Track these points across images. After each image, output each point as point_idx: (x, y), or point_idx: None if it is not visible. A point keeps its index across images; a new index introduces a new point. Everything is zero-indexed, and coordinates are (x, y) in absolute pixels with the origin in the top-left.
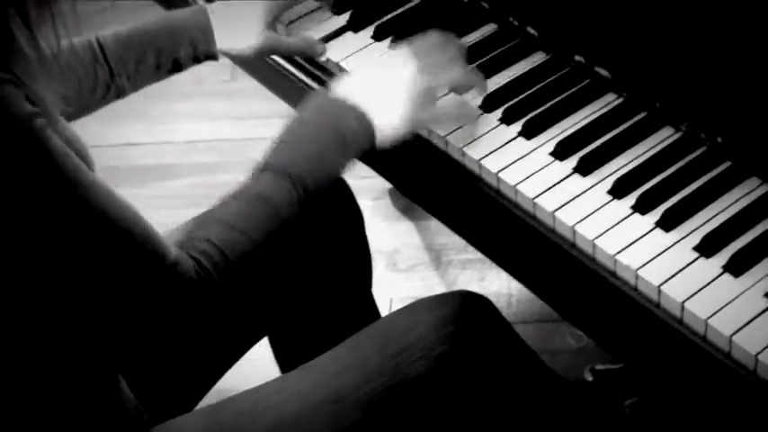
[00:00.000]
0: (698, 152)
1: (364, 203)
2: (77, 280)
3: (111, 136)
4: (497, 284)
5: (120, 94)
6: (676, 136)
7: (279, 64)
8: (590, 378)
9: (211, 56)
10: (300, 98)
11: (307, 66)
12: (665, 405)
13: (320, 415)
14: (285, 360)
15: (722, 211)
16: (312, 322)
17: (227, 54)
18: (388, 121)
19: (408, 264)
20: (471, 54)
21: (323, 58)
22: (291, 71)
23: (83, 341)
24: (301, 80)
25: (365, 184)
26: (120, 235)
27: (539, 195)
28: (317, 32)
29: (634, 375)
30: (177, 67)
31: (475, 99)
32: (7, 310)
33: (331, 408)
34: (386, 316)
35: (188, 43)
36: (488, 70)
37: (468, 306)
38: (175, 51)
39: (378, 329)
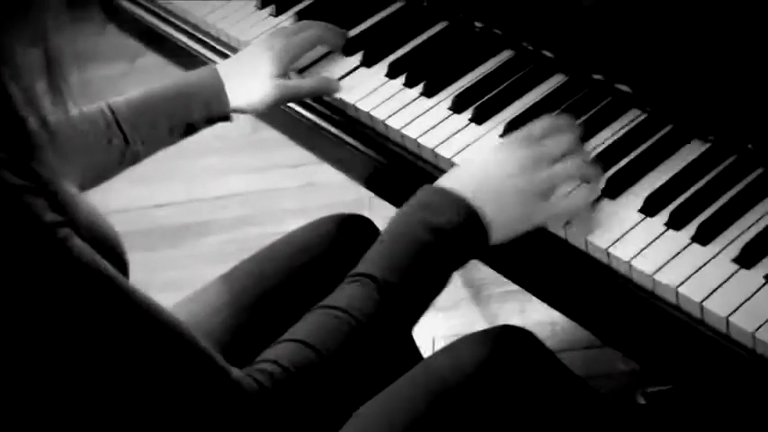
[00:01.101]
0: (728, 161)
1: None
2: (135, 398)
3: (139, 198)
4: (539, 314)
5: (136, 159)
6: (704, 147)
7: (296, 111)
8: (642, 401)
9: (225, 117)
10: (321, 143)
11: (323, 110)
12: (720, 423)
13: None
14: None
15: (759, 220)
16: None
17: (242, 111)
18: (502, 216)
19: (448, 301)
20: (490, 83)
21: (337, 102)
22: (309, 117)
23: None
24: (318, 125)
25: None
26: (169, 347)
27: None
28: (330, 75)
29: (686, 395)
30: (191, 130)
31: None
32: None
33: None
34: (427, 357)
35: (202, 106)
36: (508, 97)
37: (510, 341)
38: (189, 115)
39: (421, 371)
